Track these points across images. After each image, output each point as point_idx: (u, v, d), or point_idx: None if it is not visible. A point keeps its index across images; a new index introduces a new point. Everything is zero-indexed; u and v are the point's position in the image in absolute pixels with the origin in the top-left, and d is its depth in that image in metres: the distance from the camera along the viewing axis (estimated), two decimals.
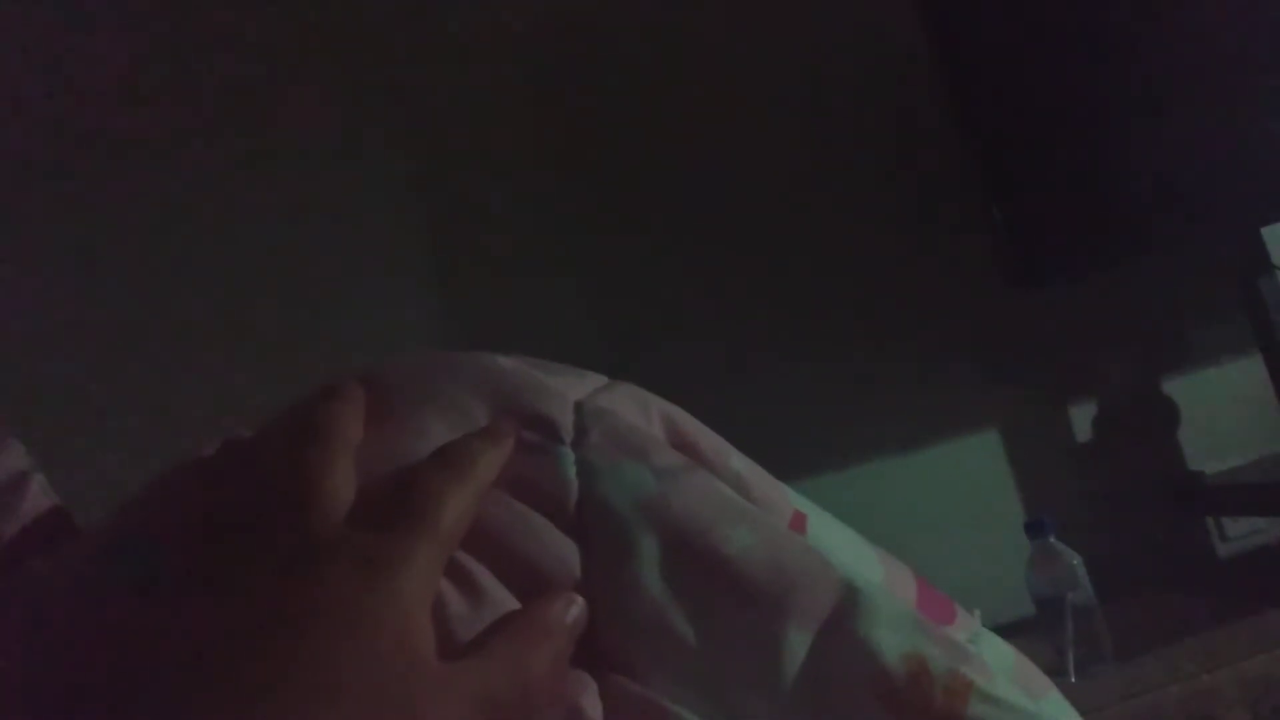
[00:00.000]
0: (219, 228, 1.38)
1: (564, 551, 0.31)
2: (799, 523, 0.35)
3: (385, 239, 1.41)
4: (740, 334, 1.44)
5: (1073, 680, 1.15)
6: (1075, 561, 1.21)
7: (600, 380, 0.36)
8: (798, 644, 0.31)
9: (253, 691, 0.25)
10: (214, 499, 0.30)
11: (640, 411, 0.35)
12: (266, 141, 1.40)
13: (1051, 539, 1.22)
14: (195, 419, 1.28)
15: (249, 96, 1.41)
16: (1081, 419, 1.48)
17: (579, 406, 0.34)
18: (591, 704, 0.30)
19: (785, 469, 0.38)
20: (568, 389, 0.35)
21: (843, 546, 0.35)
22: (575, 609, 0.30)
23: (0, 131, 1.35)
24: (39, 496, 0.36)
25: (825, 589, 0.32)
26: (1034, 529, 1.24)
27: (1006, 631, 0.37)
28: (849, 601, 0.32)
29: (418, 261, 1.42)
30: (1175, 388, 1.49)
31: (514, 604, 0.30)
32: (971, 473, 1.45)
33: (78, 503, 0.39)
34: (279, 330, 1.36)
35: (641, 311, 1.44)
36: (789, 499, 0.36)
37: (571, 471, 0.32)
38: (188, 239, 1.37)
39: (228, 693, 0.25)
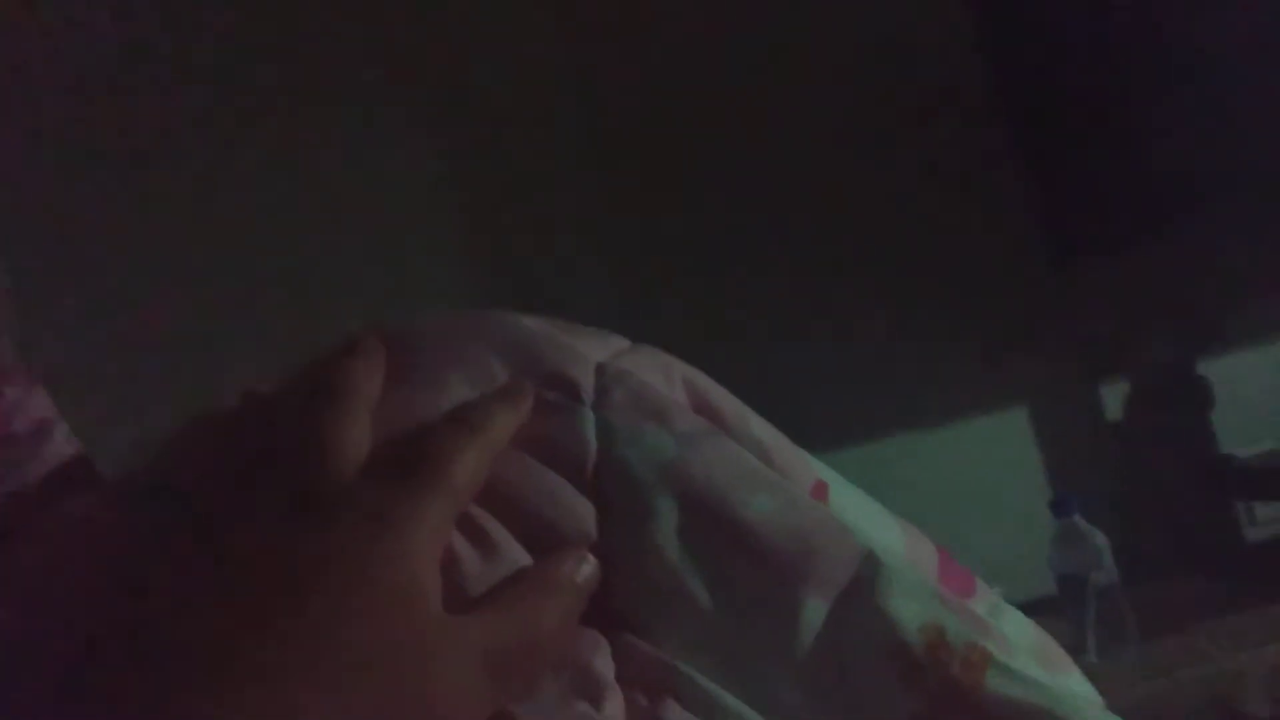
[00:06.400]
0: (253, 196, 1.38)
1: (580, 511, 0.31)
2: (820, 491, 0.35)
3: (416, 205, 1.41)
4: (768, 304, 1.43)
5: (1093, 660, 1.15)
6: (1100, 541, 1.20)
7: (623, 343, 0.36)
8: (815, 612, 0.31)
9: (260, 640, 0.25)
10: (232, 449, 0.30)
11: (663, 375, 0.35)
12: (298, 108, 1.40)
13: (1076, 518, 1.22)
14: (230, 376, 1.29)
15: (279, 63, 1.41)
16: (1113, 397, 1.47)
17: (601, 368, 0.34)
18: (603, 663, 0.30)
19: (810, 441, 0.37)
20: (590, 350, 0.34)
21: (864, 516, 0.35)
22: (587, 567, 0.30)
23: (60, 119, 1.36)
24: (62, 444, 0.37)
25: (845, 557, 0.32)
26: (1059, 507, 1.23)
27: (1028, 610, 0.37)
28: (868, 571, 0.32)
29: (447, 226, 1.42)
30: (1210, 368, 1.47)
31: (528, 561, 0.30)
32: (998, 449, 1.44)
33: (102, 453, 0.40)
34: (311, 294, 1.37)
35: (667, 279, 1.43)
36: (811, 467, 0.35)
37: (591, 432, 0.32)
38: (223, 205, 1.38)
39: (235, 640, 0.25)
